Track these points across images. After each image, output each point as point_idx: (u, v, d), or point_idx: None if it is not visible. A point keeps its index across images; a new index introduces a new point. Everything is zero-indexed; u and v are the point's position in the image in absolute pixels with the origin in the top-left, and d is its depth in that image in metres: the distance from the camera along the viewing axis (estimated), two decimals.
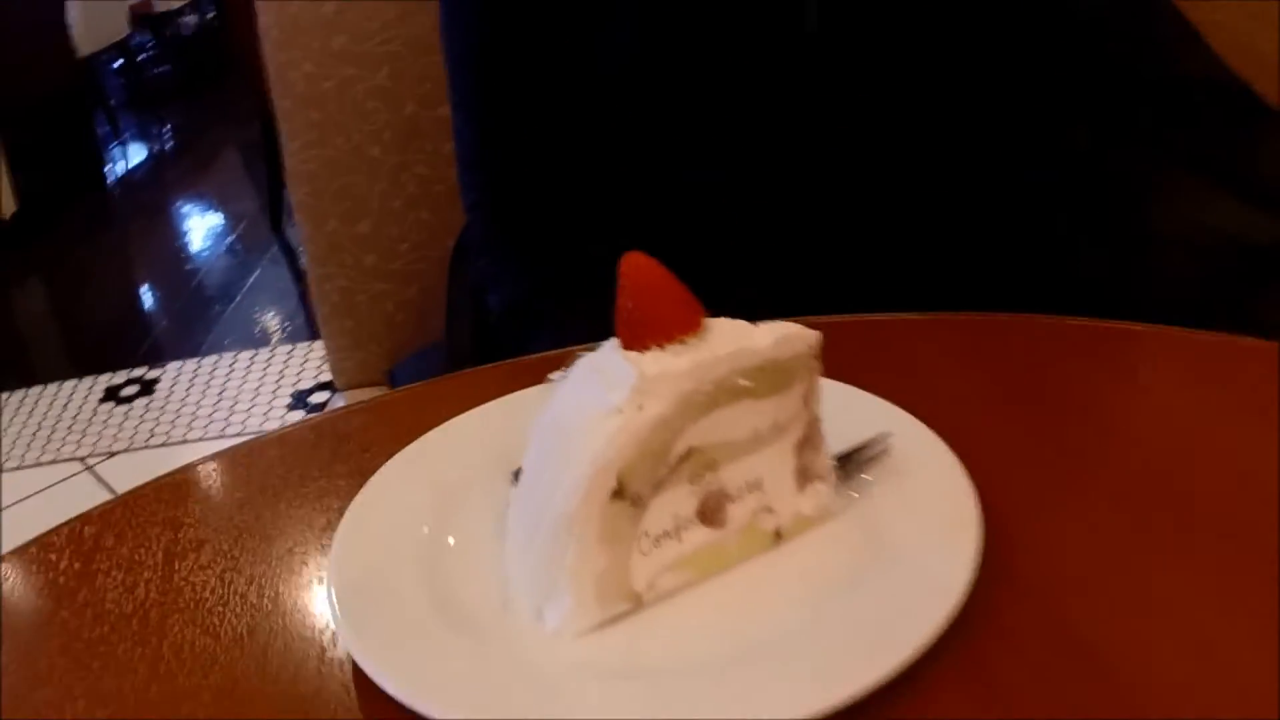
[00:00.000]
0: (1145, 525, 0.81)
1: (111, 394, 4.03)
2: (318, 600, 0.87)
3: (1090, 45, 1.25)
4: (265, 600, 0.87)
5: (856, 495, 0.87)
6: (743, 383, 0.79)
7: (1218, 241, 1.22)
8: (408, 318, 1.89)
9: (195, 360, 4.14)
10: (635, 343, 0.77)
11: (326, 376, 3.74)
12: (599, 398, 0.76)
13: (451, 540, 0.88)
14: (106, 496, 3.39)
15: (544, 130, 1.40)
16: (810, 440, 0.85)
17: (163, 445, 3.65)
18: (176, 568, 0.92)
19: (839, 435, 0.87)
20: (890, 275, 1.30)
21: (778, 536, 0.84)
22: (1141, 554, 0.79)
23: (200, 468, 1.06)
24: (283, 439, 1.10)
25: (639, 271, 0.78)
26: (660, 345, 0.77)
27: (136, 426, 3.79)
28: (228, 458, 1.08)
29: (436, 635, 0.78)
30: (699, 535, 0.81)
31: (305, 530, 0.94)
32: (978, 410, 0.96)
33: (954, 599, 0.74)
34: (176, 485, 1.03)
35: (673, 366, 0.76)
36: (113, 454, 3.67)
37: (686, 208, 1.33)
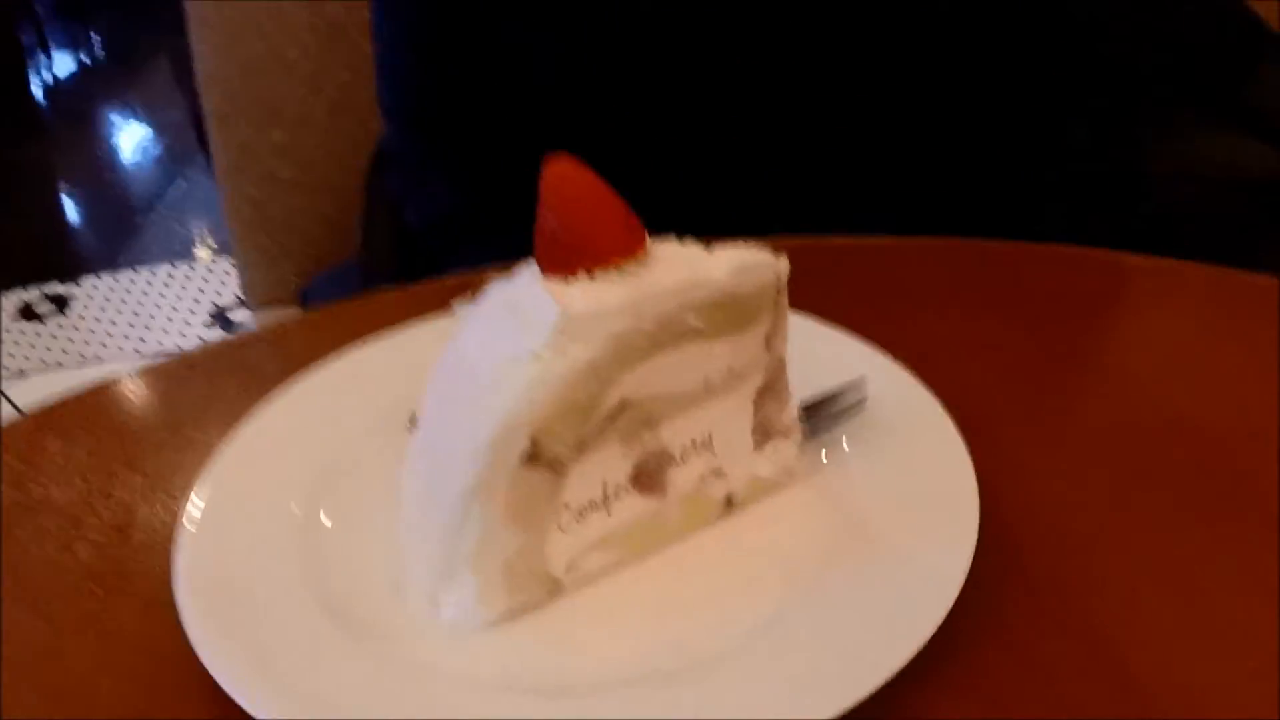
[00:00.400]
0: (1151, 478, 0.73)
1: (24, 310, 3.86)
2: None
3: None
4: (115, 579, 0.72)
5: (825, 455, 0.73)
6: (693, 321, 0.64)
7: (1218, 176, 1.16)
8: (324, 233, 1.75)
9: (112, 274, 3.97)
10: (559, 269, 0.62)
11: None
12: (512, 340, 0.61)
13: (330, 508, 0.72)
14: (15, 419, 3.24)
15: (469, 25, 1.24)
16: (772, 389, 0.70)
17: (75, 365, 3.48)
18: (13, 533, 0.76)
19: (804, 381, 0.73)
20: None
21: (729, 505, 0.71)
22: (1149, 512, 0.70)
23: (55, 411, 0.89)
24: (155, 374, 0.94)
25: (566, 181, 0.62)
26: (591, 273, 0.62)
27: (49, 345, 3.62)
28: (88, 399, 0.91)
29: (307, 631, 0.63)
30: (633, 506, 0.67)
31: (163, 495, 0.78)
32: (959, 347, 0.85)
33: (949, 590, 0.61)
34: (24, 432, 0.87)
35: (605, 300, 0.61)
36: (23, 373, 3.50)
37: (629, 113, 1.18)
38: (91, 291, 3.94)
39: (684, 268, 0.63)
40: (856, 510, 0.69)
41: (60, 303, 3.89)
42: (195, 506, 0.71)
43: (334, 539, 0.70)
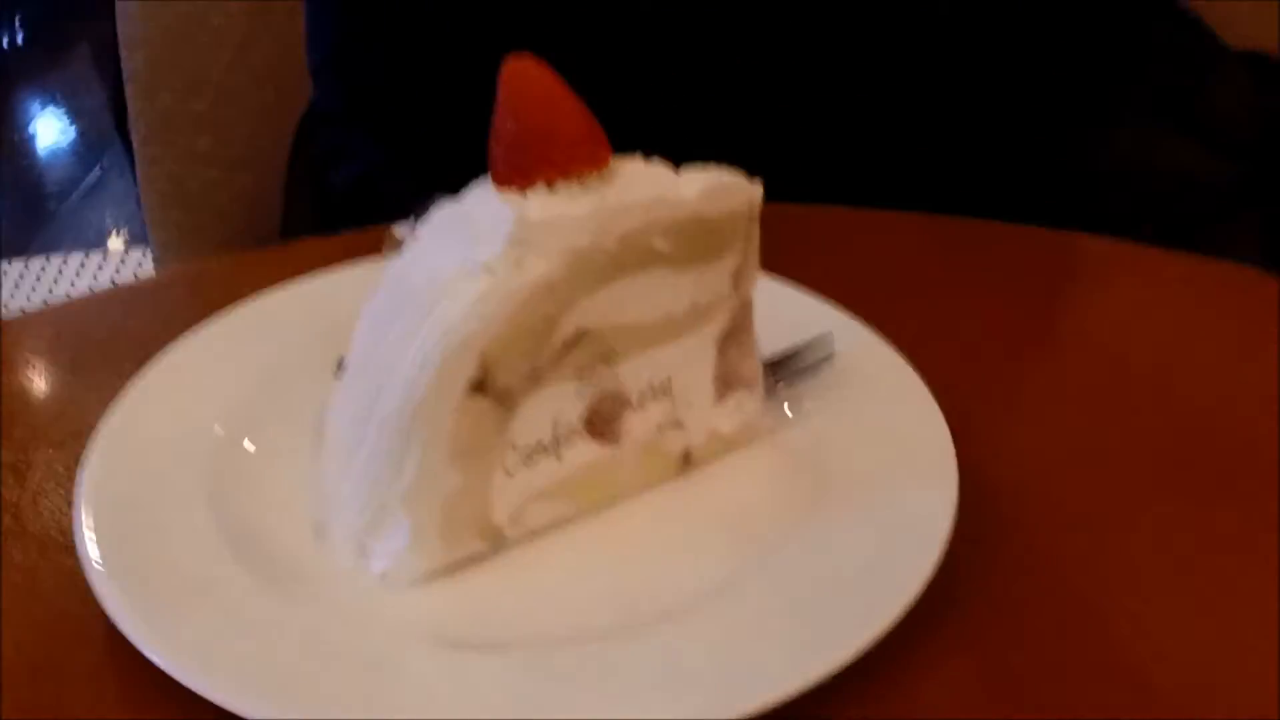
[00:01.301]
0: (1131, 452, 0.70)
1: None
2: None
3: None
4: (10, 521, 0.64)
5: (789, 412, 0.68)
6: (658, 244, 0.58)
7: (1168, 181, 1.12)
8: (242, 210, 1.68)
9: (23, 261, 3.87)
10: (516, 177, 0.56)
11: None
12: (461, 253, 0.55)
13: (250, 446, 0.66)
14: None
15: None
16: (737, 334, 0.64)
17: None
18: None
19: (767, 339, 0.68)
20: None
21: (687, 461, 0.65)
22: (1132, 484, 0.67)
23: None
24: (60, 313, 0.88)
25: (528, 81, 0.56)
26: (550, 185, 0.56)
27: None
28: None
29: (222, 581, 0.56)
30: (585, 452, 0.61)
31: (65, 437, 0.71)
32: (927, 321, 0.79)
33: (929, 553, 0.56)
34: None
35: (566, 212, 0.55)
36: None
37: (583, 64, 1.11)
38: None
39: (651, 185, 0.58)
40: (824, 470, 0.63)
41: None
42: (100, 442, 0.64)
43: (252, 482, 0.63)
